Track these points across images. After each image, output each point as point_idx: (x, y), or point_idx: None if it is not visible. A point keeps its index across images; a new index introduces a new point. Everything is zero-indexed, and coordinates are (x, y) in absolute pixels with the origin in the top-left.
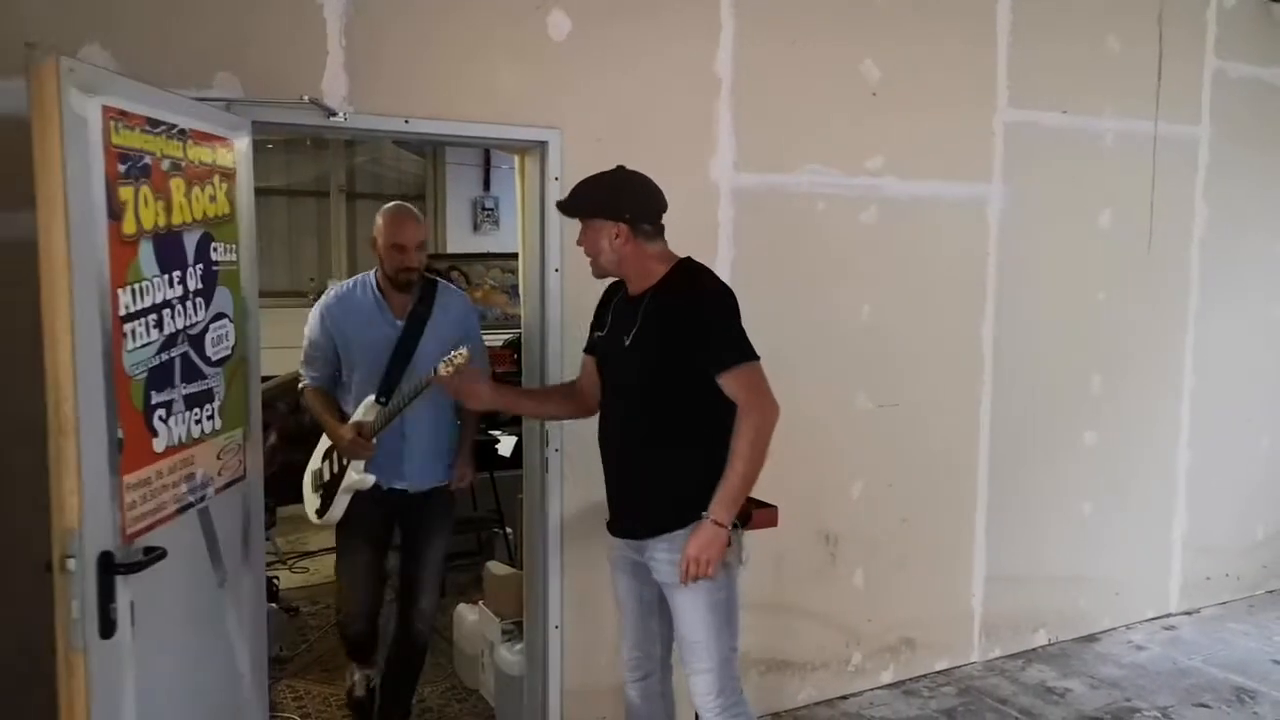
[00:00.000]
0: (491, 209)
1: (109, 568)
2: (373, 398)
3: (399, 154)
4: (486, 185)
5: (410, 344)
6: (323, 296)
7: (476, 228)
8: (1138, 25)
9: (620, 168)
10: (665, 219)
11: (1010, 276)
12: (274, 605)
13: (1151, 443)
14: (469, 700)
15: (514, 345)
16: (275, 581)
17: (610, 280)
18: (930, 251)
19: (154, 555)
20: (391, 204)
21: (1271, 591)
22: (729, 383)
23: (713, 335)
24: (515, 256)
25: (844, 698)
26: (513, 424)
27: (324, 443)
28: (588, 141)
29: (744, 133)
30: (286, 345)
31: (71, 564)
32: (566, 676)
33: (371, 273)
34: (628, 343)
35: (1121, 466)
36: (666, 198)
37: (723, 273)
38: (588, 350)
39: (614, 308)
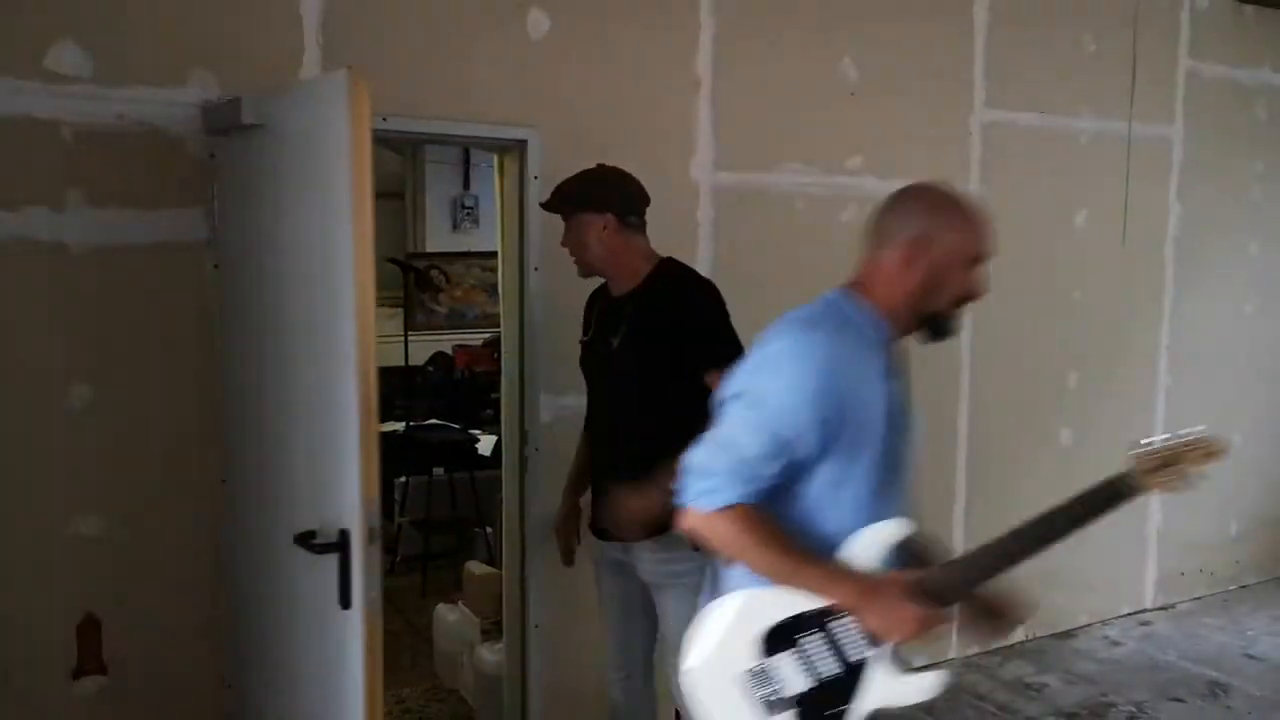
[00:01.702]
0: (471, 207)
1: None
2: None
3: (378, 152)
4: (466, 184)
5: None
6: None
7: (456, 226)
8: (1113, 26)
9: (601, 164)
10: (645, 218)
11: (987, 274)
12: None
13: (1127, 440)
14: (448, 700)
15: (494, 344)
16: None
17: (593, 290)
18: None
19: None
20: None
21: (1245, 586)
22: (719, 380)
23: (704, 333)
24: (495, 255)
25: None
26: (492, 423)
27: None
28: (567, 140)
29: (723, 132)
30: None
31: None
32: (546, 676)
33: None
34: (616, 344)
35: (1097, 464)
36: (647, 197)
37: (702, 272)
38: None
39: (596, 311)
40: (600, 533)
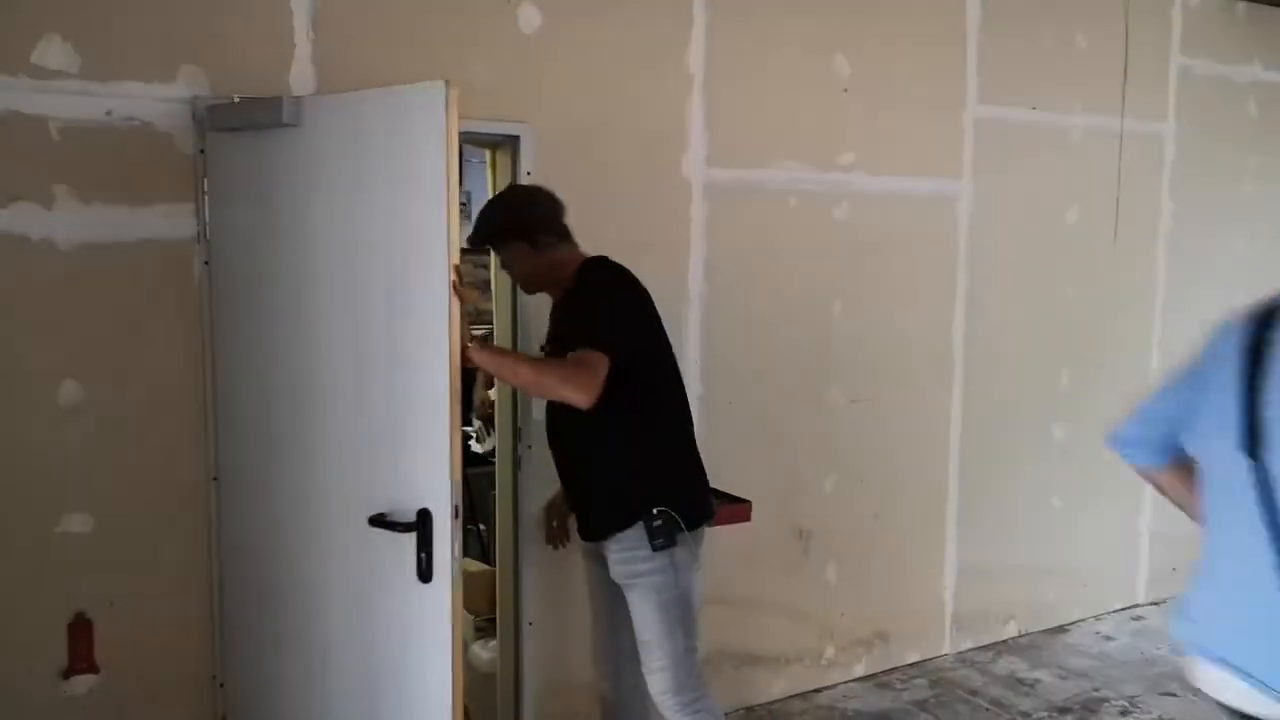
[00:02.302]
0: (464, 204)
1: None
2: None
3: None
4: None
5: None
6: None
7: None
8: (1105, 23)
9: (512, 185)
10: (635, 214)
11: (980, 272)
12: None
13: None
14: None
15: (486, 340)
16: None
17: None
18: (901, 247)
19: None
20: None
21: None
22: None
23: (582, 318)
24: (487, 252)
25: (817, 691)
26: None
27: None
28: (559, 136)
29: (716, 128)
30: None
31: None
32: (540, 673)
33: None
34: (546, 348)
35: (1090, 460)
36: (633, 193)
37: (696, 269)
38: None
39: (551, 317)
40: (579, 533)
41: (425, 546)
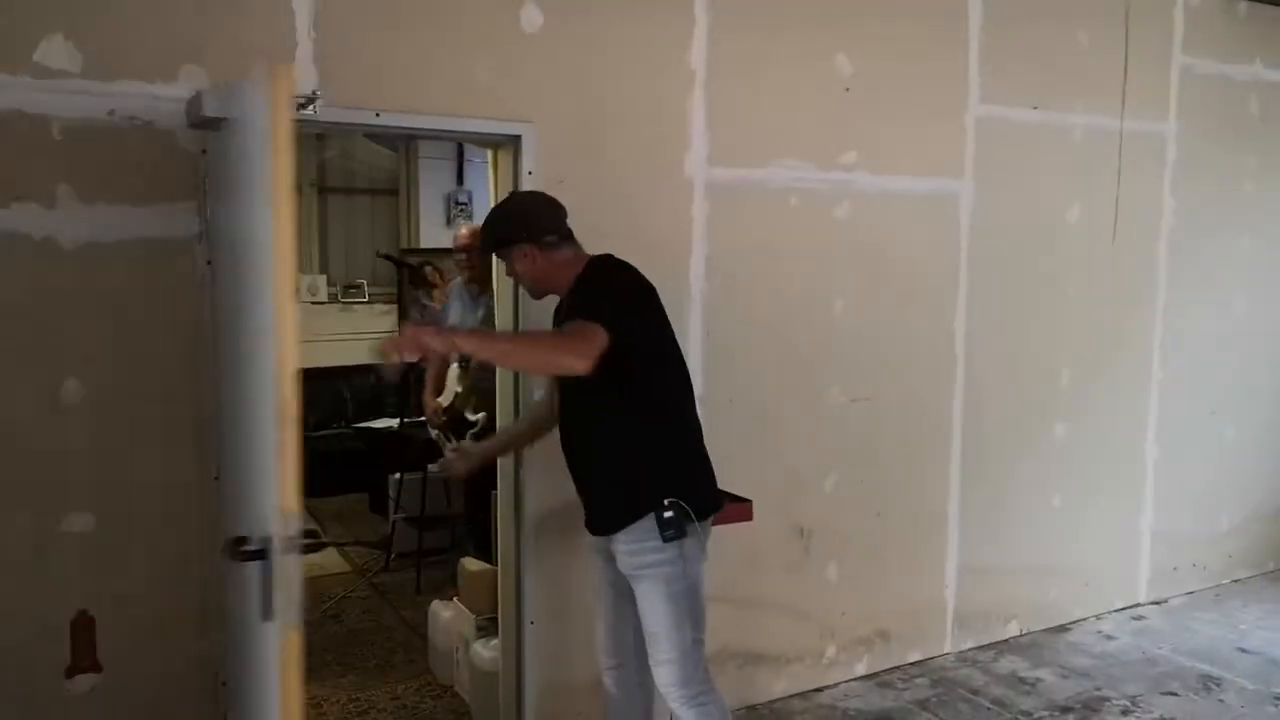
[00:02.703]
0: (465, 203)
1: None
2: None
3: (371, 148)
4: (460, 179)
5: None
6: None
7: (450, 222)
8: (1107, 22)
9: (513, 193)
10: (637, 213)
11: (981, 271)
12: None
13: (1120, 435)
14: (444, 697)
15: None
16: None
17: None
18: (903, 246)
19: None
20: None
21: (1237, 581)
22: (566, 327)
23: (582, 301)
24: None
25: (819, 690)
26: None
27: None
28: (562, 135)
29: (717, 127)
30: None
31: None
32: (542, 672)
33: None
34: None
35: (1091, 459)
36: (634, 192)
37: (697, 268)
38: None
39: (554, 318)
40: (588, 528)
41: (265, 581)
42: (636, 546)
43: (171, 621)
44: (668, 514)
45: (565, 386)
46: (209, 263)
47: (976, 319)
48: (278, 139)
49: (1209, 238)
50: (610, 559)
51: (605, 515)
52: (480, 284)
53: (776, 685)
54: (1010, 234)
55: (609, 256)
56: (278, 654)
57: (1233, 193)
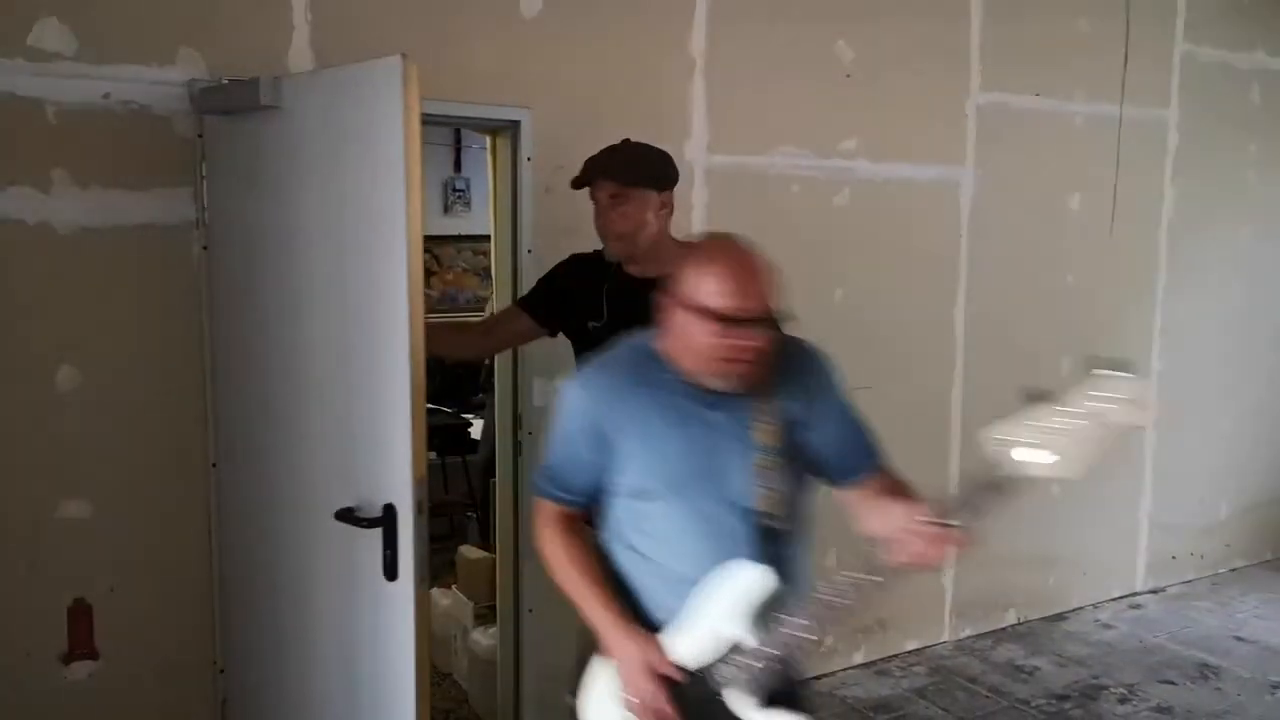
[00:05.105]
0: (463, 190)
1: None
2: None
3: None
4: (457, 166)
5: None
6: None
7: (447, 209)
8: (1109, 8)
9: (629, 140)
10: None
11: (982, 259)
12: None
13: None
14: (442, 684)
15: None
16: None
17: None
18: (903, 234)
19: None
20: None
21: (1234, 569)
22: None
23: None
24: (487, 239)
25: (817, 678)
26: (485, 407)
27: None
28: (560, 121)
29: (717, 114)
30: None
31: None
32: (540, 660)
33: None
34: (599, 327)
35: None
36: None
37: None
38: (548, 317)
39: (609, 293)
40: None
41: (390, 544)
42: None
43: (169, 608)
44: None
45: None
46: (205, 248)
47: (977, 307)
48: (410, 133)
49: (1209, 226)
50: None
51: None
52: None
53: None
54: (1011, 222)
55: None
56: (410, 610)
57: (1234, 181)
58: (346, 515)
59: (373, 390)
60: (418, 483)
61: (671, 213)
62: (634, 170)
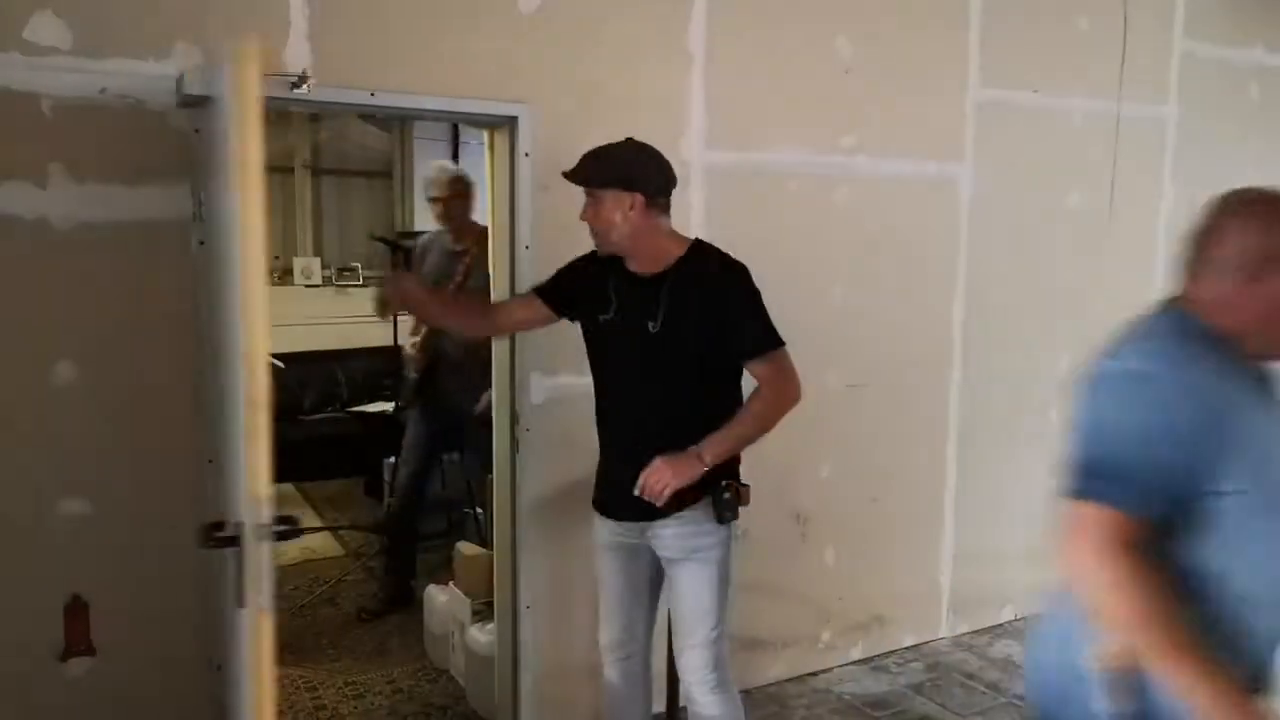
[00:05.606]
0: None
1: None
2: None
3: (365, 129)
4: (455, 161)
5: None
6: None
7: None
8: (1107, 5)
9: (631, 139)
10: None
11: (980, 256)
12: None
13: None
14: (439, 681)
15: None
16: None
17: (583, 264)
18: (901, 231)
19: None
20: None
21: None
22: (760, 368)
23: (746, 320)
24: (484, 233)
25: (814, 674)
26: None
27: None
28: (558, 117)
29: (716, 110)
30: None
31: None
32: (538, 657)
33: None
34: (655, 328)
35: None
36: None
37: None
38: (559, 300)
39: (615, 287)
40: (616, 515)
41: (238, 566)
42: (691, 529)
43: (165, 605)
44: (726, 495)
45: (651, 373)
46: (201, 243)
47: (975, 304)
48: (245, 119)
49: None
50: (632, 552)
51: (669, 501)
52: (457, 234)
53: (773, 669)
54: (1010, 218)
55: (718, 248)
56: (249, 639)
57: (1233, 178)
58: (207, 530)
59: (227, 400)
60: (255, 503)
61: (661, 213)
62: (602, 172)
